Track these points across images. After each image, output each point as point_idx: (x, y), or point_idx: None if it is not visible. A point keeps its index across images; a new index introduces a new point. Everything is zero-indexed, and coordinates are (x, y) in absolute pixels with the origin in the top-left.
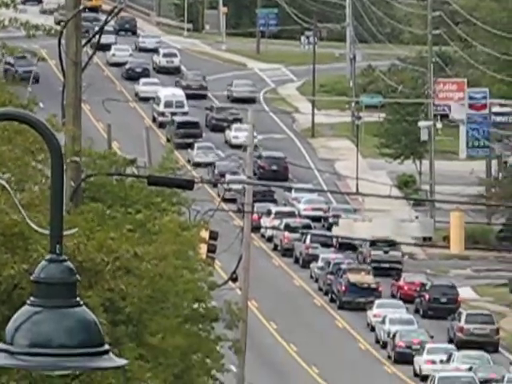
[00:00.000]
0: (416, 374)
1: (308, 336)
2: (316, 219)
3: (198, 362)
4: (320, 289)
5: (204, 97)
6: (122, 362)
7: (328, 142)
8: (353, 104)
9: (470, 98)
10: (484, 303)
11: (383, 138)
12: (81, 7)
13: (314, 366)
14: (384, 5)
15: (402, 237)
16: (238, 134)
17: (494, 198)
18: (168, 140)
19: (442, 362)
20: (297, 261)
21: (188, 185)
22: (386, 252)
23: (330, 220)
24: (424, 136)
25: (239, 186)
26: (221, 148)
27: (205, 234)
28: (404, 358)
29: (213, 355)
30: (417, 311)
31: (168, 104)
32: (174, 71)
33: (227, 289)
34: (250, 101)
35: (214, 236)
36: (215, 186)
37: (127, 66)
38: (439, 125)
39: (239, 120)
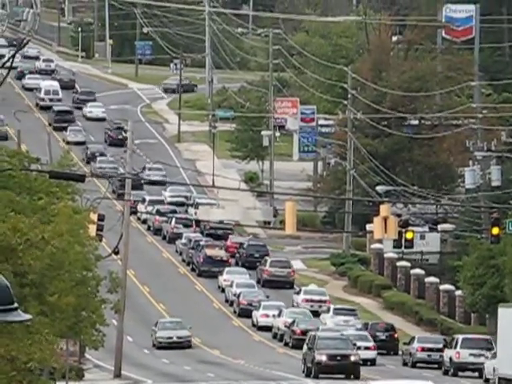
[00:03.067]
0: (254, 325)
1: (174, 297)
2: (179, 204)
3: (86, 318)
4: (183, 260)
5: (73, 87)
6: (27, 316)
7: (191, 146)
8: (210, 116)
9: (302, 113)
10: (311, 273)
11: (234, 144)
12: None
13: None
14: (235, 39)
15: (247, 220)
16: (92, 109)
17: (319, 191)
18: (49, 124)
19: (274, 316)
20: (165, 238)
21: (80, 178)
22: (220, 222)
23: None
24: (265, 142)
25: (109, 165)
26: (80, 119)
27: (94, 217)
28: (246, 313)
29: (98, 312)
30: (237, 263)
31: (47, 92)
32: (50, 72)
33: (111, 260)
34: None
35: (100, 218)
36: (88, 163)
37: (18, 69)
38: (277, 134)
39: (94, 100)
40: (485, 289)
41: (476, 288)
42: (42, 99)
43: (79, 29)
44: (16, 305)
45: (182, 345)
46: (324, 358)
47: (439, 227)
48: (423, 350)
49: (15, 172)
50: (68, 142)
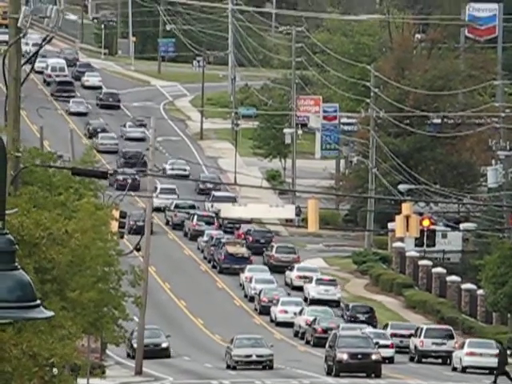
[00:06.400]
0: (272, 321)
1: (195, 294)
2: (180, 177)
3: (108, 313)
4: (205, 257)
5: (75, 65)
6: (49, 313)
7: (213, 144)
8: (233, 114)
9: (324, 111)
10: (332, 271)
11: (256, 141)
12: (21, 35)
13: (199, 318)
14: (258, 36)
15: (270, 218)
16: (89, 78)
17: (342, 190)
18: (52, 94)
19: (295, 314)
20: (186, 235)
21: (103, 175)
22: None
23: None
24: (288, 140)
25: (111, 141)
26: (77, 89)
27: (116, 214)
28: (267, 311)
29: (119, 308)
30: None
31: (53, 69)
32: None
33: (132, 257)
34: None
35: (123, 215)
36: (90, 138)
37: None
38: (300, 131)
39: (92, 71)
40: (506, 288)
41: (498, 287)
42: (49, 75)
43: (102, 26)
44: (38, 301)
45: (263, 364)
46: (345, 357)
47: (461, 226)
48: (395, 335)
49: (36, 168)
50: (70, 113)
